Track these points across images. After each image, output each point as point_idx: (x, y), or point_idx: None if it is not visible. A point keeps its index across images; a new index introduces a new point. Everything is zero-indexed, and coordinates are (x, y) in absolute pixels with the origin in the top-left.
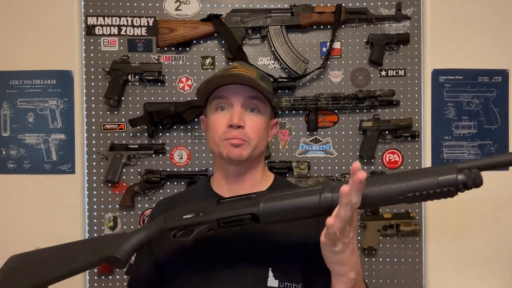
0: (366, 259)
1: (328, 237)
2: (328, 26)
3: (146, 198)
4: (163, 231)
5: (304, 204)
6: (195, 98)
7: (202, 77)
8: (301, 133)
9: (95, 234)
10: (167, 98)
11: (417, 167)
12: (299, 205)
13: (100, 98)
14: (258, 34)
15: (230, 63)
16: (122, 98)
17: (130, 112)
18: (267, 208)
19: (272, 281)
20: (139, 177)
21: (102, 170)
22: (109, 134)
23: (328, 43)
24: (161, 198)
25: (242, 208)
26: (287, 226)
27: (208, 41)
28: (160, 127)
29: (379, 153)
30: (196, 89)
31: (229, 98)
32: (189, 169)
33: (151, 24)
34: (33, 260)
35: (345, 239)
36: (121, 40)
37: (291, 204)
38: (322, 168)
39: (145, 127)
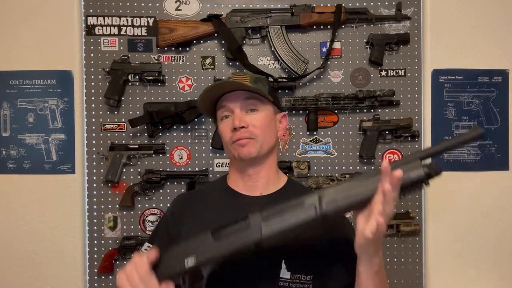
0: None
1: (378, 235)
2: (328, 26)
3: (146, 198)
4: (170, 278)
5: (303, 221)
6: (195, 98)
7: (202, 77)
8: (301, 133)
9: (95, 234)
10: (167, 98)
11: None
12: (297, 224)
13: (100, 98)
14: (258, 34)
15: (230, 74)
16: (122, 98)
17: (130, 112)
18: (268, 234)
19: (284, 272)
20: (139, 177)
21: (102, 170)
22: (109, 134)
23: (328, 43)
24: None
25: (242, 240)
26: None
27: (208, 41)
28: (160, 127)
29: (379, 153)
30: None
31: (228, 105)
32: (189, 169)
33: (151, 24)
34: None
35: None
36: (121, 40)
37: (290, 225)
38: (322, 168)
39: (145, 127)
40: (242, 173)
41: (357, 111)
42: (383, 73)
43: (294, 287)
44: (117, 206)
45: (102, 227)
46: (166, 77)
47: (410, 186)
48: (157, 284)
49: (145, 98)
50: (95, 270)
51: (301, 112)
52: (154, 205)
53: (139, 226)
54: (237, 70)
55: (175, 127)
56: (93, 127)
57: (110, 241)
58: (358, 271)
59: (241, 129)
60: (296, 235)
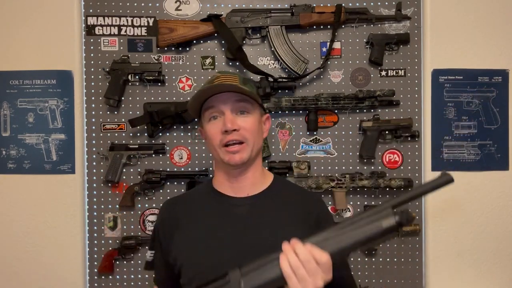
0: (366, 259)
1: None
2: (328, 26)
3: (146, 198)
4: None
5: (275, 277)
6: None
7: (202, 77)
8: (301, 133)
9: (95, 234)
10: (167, 98)
11: (416, 167)
12: (271, 279)
13: (100, 98)
14: (258, 34)
15: (216, 73)
16: (122, 98)
17: (130, 112)
18: None
19: None
20: (139, 177)
21: (102, 170)
22: (109, 134)
23: (328, 43)
24: (168, 198)
25: None
26: (282, 221)
27: (208, 41)
28: (160, 127)
29: (379, 153)
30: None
31: (219, 106)
32: (189, 169)
33: (151, 24)
34: None
35: None
36: (121, 40)
37: (266, 281)
38: (322, 168)
39: (145, 127)
40: (229, 175)
41: (357, 111)
42: (383, 73)
43: None
44: (117, 206)
45: (102, 227)
46: (166, 77)
47: (382, 235)
48: None
49: (145, 98)
50: (95, 270)
51: (301, 112)
52: (154, 205)
53: (139, 226)
54: (231, 70)
55: (175, 127)
56: (93, 127)
57: (110, 241)
58: None
59: (232, 131)
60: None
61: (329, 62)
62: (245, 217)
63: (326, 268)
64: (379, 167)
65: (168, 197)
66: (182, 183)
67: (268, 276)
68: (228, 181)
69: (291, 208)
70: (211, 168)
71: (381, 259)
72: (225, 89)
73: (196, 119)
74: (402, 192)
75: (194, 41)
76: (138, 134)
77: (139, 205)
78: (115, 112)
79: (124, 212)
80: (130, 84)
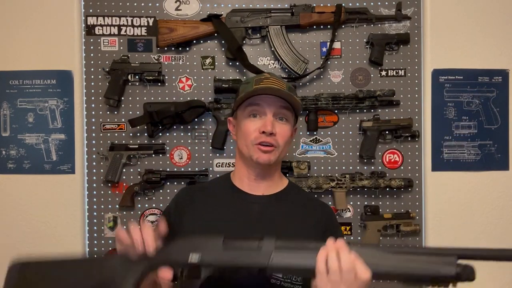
0: None
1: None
2: (328, 26)
3: (146, 198)
4: (170, 264)
5: (306, 267)
6: (195, 98)
7: (202, 77)
8: (301, 133)
9: (95, 234)
10: (167, 98)
11: (416, 167)
12: (301, 267)
13: (100, 98)
14: (258, 34)
15: (264, 73)
16: (122, 98)
17: (130, 112)
18: (274, 265)
19: None
20: (139, 177)
21: (102, 170)
22: (109, 134)
23: (328, 43)
24: (168, 198)
25: (249, 260)
26: (292, 223)
27: (208, 41)
28: (160, 127)
29: (379, 153)
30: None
31: (264, 106)
32: (189, 169)
33: (151, 24)
34: (41, 273)
35: None
36: (121, 40)
37: (295, 265)
38: (322, 168)
39: (145, 127)
40: (249, 173)
41: (357, 111)
42: (383, 73)
43: (286, 286)
44: (117, 206)
45: (102, 227)
46: (166, 77)
47: (433, 280)
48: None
49: (145, 98)
50: None
51: (301, 112)
52: (154, 205)
53: (139, 226)
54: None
55: (175, 127)
56: (93, 127)
57: (110, 241)
58: None
59: (270, 135)
60: (296, 226)
61: (329, 62)
62: (258, 213)
63: (362, 286)
64: (379, 167)
65: (168, 197)
66: (182, 183)
67: (300, 262)
68: (247, 178)
69: (302, 213)
70: (211, 168)
71: None
72: (275, 93)
73: (195, 119)
74: (474, 248)
75: (194, 41)
76: (138, 134)
77: (139, 205)
78: (115, 112)
79: (124, 212)
80: (130, 84)
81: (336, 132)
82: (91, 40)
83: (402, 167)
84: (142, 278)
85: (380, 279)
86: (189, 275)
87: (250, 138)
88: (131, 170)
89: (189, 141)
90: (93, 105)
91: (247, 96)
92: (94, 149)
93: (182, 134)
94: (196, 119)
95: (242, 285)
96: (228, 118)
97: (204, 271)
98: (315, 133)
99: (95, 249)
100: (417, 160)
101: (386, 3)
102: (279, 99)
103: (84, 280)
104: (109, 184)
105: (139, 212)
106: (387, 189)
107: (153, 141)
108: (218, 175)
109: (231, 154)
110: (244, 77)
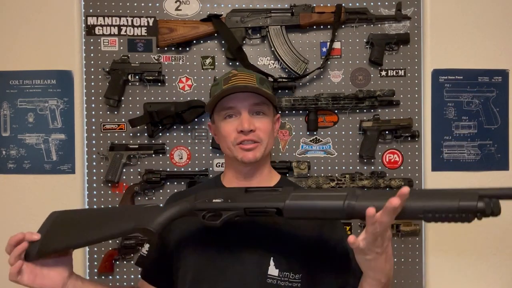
0: None
1: (357, 250)
2: (328, 26)
3: (146, 198)
4: (194, 210)
5: (328, 207)
6: (195, 98)
7: (202, 77)
8: (301, 133)
9: None
10: (167, 98)
11: (416, 167)
12: (322, 207)
13: (100, 98)
14: (258, 34)
15: (231, 70)
16: (122, 98)
17: (130, 112)
18: (293, 205)
19: (272, 269)
20: (139, 177)
21: (102, 170)
22: (109, 134)
23: (328, 43)
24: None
25: (269, 201)
26: (293, 221)
27: (208, 41)
28: (160, 127)
29: (379, 153)
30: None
31: (236, 106)
32: (189, 169)
33: (151, 24)
34: (76, 218)
35: (377, 249)
36: (121, 40)
37: (315, 205)
38: (322, 168)
39: (145, 127)
40: (238, 173)
41: (357, 111)
42: (383, 73)
43: (283, 285)
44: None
45: None
46: (166, 77)
47: (455, 214)
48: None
49: (145, 98)
50: (95, 270)
51: (301, 112)
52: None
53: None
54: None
55: (175, 127)
56: (93, 127)
57: (110, 241)
58: (360, 284)
59: (249, 132)
60: (296, 225)
61: (329, 62)
62: None
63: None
64: (379, 167)
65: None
66: (182, 183)
67: (317, 204)
68: (236, 178)
69: None
70: (211, 168)
71: None
72: (247, 90)
73: (195, 119)
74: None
75: (194, 41)
76: (138, 134)
77: None
78: (115, 112)
79: None
80: (130, 84)
81: (336, 132)
82: (91, 40)
83: (402, 167)
84: (175, 218)
85: (410, 214)
86: (211, 219)
87: (230, 139)
88: (131, 170)
89: (189, 141)
90: (93, 105)
91: (215, 100)
92: (94, 149)
93: (182, 134)
94: (196, 119)
95: (240, 285)
96: (208, 123)
97: (224, 214)
98: (315, 133)
99: (95, 249)
100: (417, 160)
101: (386, 3)
102: (251, 94)
103: (115, 228)
104: (109, 184)
105: None
106: (387, 189)
107: (153, 141)
108: None
109: None
110: None
